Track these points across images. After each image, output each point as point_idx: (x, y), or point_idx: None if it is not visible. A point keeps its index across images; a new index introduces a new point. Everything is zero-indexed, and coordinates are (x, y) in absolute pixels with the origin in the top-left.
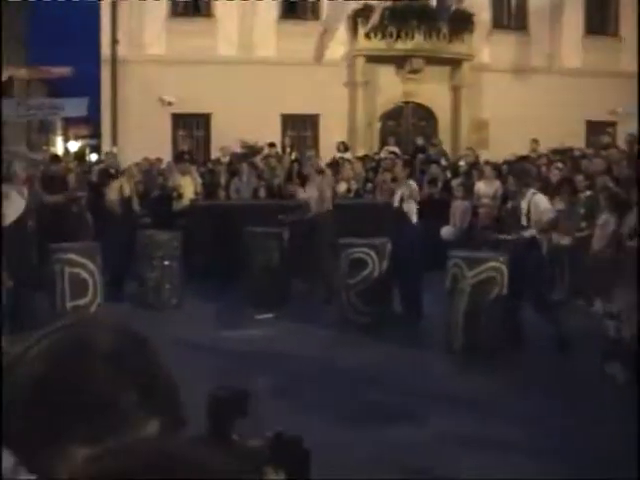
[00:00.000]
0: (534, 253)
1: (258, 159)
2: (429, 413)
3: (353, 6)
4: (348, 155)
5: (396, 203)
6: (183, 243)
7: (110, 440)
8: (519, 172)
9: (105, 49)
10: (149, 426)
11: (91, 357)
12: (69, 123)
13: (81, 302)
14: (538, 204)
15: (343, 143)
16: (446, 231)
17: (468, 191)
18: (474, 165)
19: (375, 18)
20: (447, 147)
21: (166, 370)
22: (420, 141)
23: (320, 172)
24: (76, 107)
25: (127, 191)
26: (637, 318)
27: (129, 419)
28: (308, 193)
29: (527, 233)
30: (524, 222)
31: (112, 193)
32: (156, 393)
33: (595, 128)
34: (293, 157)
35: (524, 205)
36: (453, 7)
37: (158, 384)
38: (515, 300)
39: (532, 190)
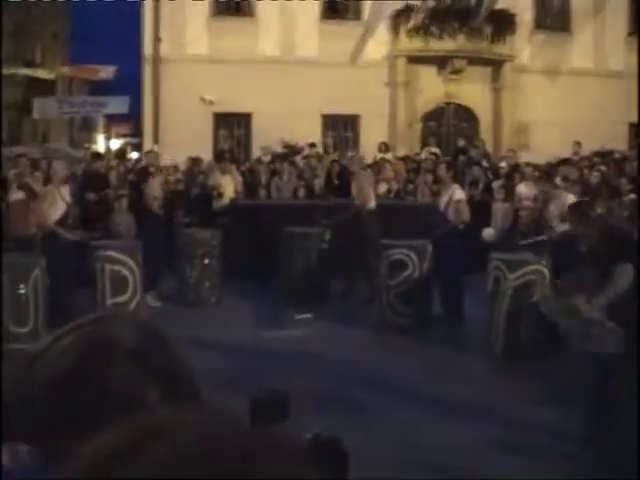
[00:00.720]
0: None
1: (299, 159)
2: (469, 418)
3: (395, 6)
4: (389, 156)
5: (442, 206)
6: (223, 242)
7: None
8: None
9: (147, 47)
10: None
11: (114, 353)
12: (111, 121)
13: (121, 299)
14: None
15: (384, 144)
16: (487, 233)
17: (509, 193)
18: (515, 167)
19: (418, 18)
20: (488, 148)
21: (188, 367)
22: (461, 142)
23: (363, 170)
24: (118, 105)
25: (163, 190)
26: None
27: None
28: (354, 191)
29: (559, 228)
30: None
31: (152, 191)
32: (178, 390)
33: (638, 131)
34: (335, 157)
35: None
36: (486, 8)
37: (181, 381)
38: None
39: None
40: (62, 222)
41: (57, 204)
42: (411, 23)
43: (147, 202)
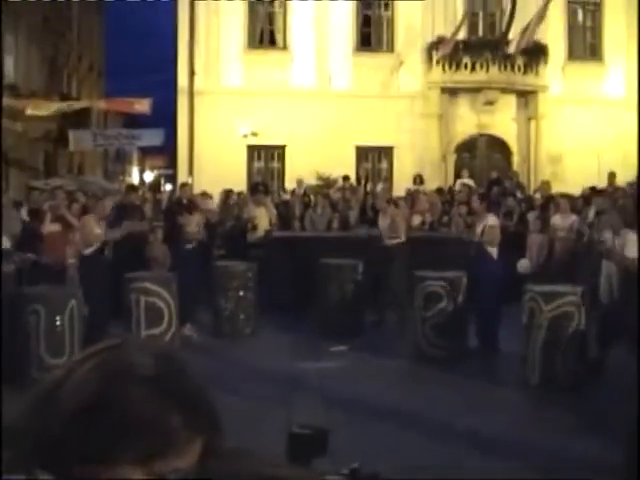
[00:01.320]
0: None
1: (332, 191)
2: (505, 451)
3: (428, 39)
4: (424, 188)
5: (477, 237)
6: (257, 274)
7: (156, 462)
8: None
9: (182, 80)
10: (193, 446)
11: (133, 379)
12: (145, 154)
13: (156, 331)
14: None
15: (419, 176)
16: (522, 264)
17: (544, 224)
18: (550, 198)
19: (447, 48)
20: (522, 179)
21: (206, 394)
22: (495, 174)
23: (393, 204)
24: (152, 137)
25: (202, 225)
26: None
27: (173, 441)
28: (381, 225)
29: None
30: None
31: (191, 226)
32: (198, 415)
33: None
34: (368, 189)
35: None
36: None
37: (200, 407)
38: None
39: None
40: (99, 252)
41: (94, 233)
42: (440, 53)
43: (185, 238)
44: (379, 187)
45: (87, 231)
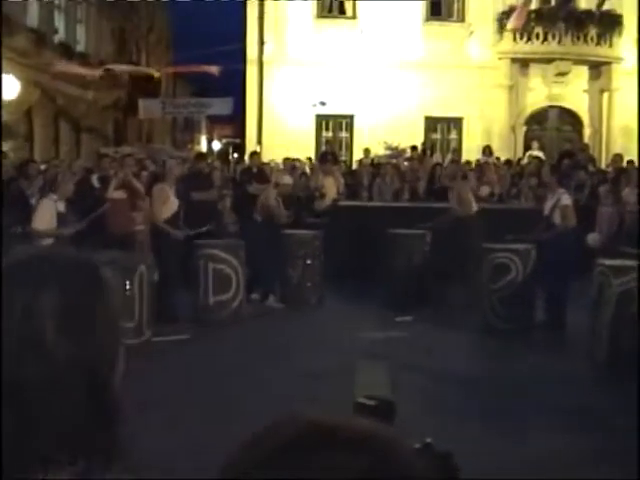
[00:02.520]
0: None
1: (401, 161)
2: (570, 423)
3: (500, 8)
4: (493, 159)
5: (546, 211)
6: (325, 243)
7: None
8: None
9: (251, 50)
10: None
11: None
12: (214, 123)
13: (224, 297)
14: None
15: (488, 147)
16: (592, 238)
17: (616, 198)
18: (622, 171)
19: (519, 21)
20: (593, 152)
21: None
22: (567, 146)
23: (462, 177)
24: (221, 106)
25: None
26: None
27: None
28: (450, 198)
29: None
30: None
31: (270, 199)
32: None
33: None
34: (435, 160)
35: None
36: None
37: None
38: None
39: None
40: (172, 220)
41: (169, 202)
42: (511, 25)
43: (264, 211)
44: (446, 163)
45: (163, 198)
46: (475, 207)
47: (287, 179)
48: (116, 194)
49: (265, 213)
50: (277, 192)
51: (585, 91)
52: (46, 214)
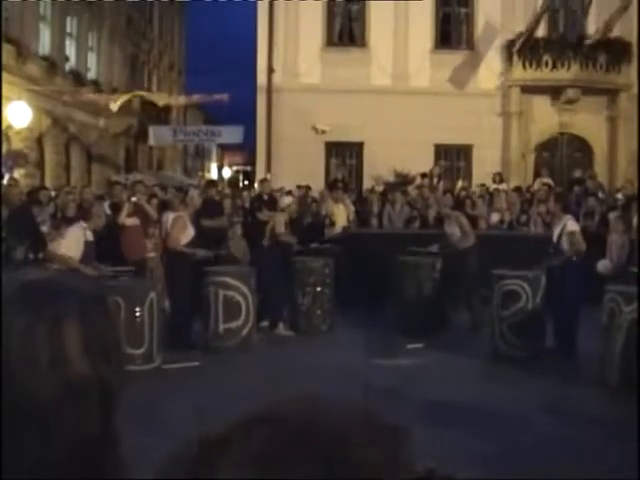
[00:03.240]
0: None
1: (411, 189)
2: (580, 452)
3: (508, 36)
4: (504, 186)
5: (554, 238)
6: (335, 270)
7: None
8: None
9: (261, 77)
10: None
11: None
12: (224, 150)
13: (234, 325)
14: None
15: (499, 174)
16: (602, 265)
17: (626, 225)
18: (632, 198)
19: (522, 40)
20: (603, 179)
21: None
22: (577, 173)
23: (457, 206)
24: (232, 134)
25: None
26: None
27: None
28: (447, 230)
29: None
30: None
31: (279, 226)
32: None
33: None
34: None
35: None
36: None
37: None
38: None
39: None
40: (189, 247)
41: (187, 230)
42: (516, 46)
43: (273, 237)
44: (458, 186)
45: (182, 226)
46: (472, 239)
47: (287, 200)
48: (129, 221)
49: (273, 239)
50: (285, 218)
51: (595, 118)
52: (74, 240)
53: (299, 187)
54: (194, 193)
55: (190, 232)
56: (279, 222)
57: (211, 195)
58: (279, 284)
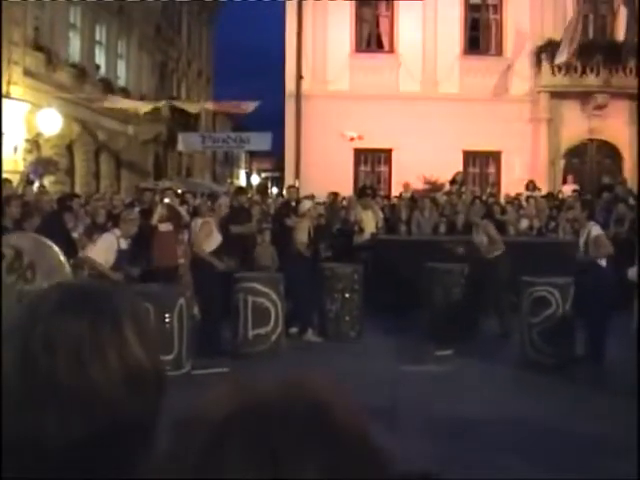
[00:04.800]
0: None
1: (439, 195)
2: (608, 459)
3: (538, 42)
4: (537, 194)
5: (580, 246)
6: (364, 276)
7: None
8: None
9: (289, 84)
10: None
11: None
12: (253, 156)
13: (263, 331)
14: None
15: (532, 182)
16: (633, 272)
17: None
18: None
19: (568, 54)
20: (633, 185)
21: None
22: (606, 179)
23: (502, 212)
24: (260, 141)
25: (311, 232)
26: None
27: None
28: (475, 239)
29: None
30: None
31: (301, 235)
32: None
33: None
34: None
35: None
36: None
37: None
38: None
39: None
40: (215, 254)
41: (212, 236)
42: (559, 59)
43: (295, 246)
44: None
45: (207, 231)
46: (501, 247)
47: (307, 204)
48: (163, 226)
49: (296, 247)
50: (309, 224)
51: (625, 123)
52: (105, 247)
53: (331, 194)
54: (224, 200)
55: (217, 238)
56: (300, 229)
57: (241, 202)
58: (306, 290)
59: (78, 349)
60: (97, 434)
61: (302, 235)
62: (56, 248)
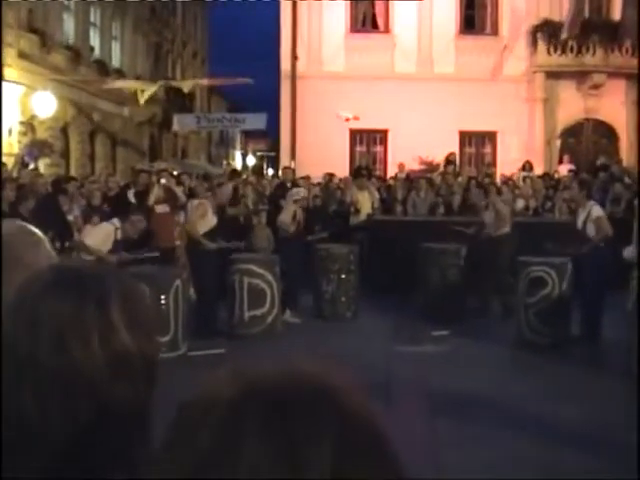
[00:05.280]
0: None
1: (435, 175)
2: (602, 440)
3: (534, 21)
4: (532, 174)
5: (579, 225)
6: (359, 257)
7: None
8: None
9: (285, 65)
10: None
11: None
12: (248, 138)
13: (259, 312)
14: None
15: (529, 162)
16: (629, 252)
17: None
18: None
19: (573, 28)
20: (630, 165)
21: None
22: (602, 159)
23: (497, 192)
24: (255, 121)
25: (298, 215)
26: None
27: None
28: (485, 217)
29: None
30: None
31: (285, 216)
32: None
33: None
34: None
35: None
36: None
37: None
38: None
39: None
40: (210, 236)
41: (207, 217)
42: (564, 34)
43: (278, 224)
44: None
45: (202, 213)
46: (508, 227)
47: (301, 192)
48: (159, 208)
49: (281, 228)
50: (296, 207)
51: (621, 103)
52: (102, 235)
53: (326, 175)
54: (227, 189)
55: (211, 220)
56: (286, 210)
57: (236, 184)
58: (296, 271)
59: (60, 330)
60: (77, 417)
61: (286, 216)
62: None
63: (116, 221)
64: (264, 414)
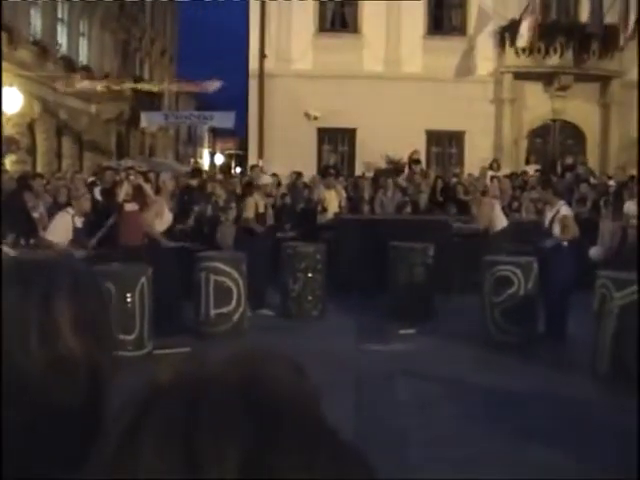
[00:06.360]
0: None
1: (401, 180)
2: (570, 439)
3: (501, 22)
4: (500, 174)
5: (546, 223)
6: (326, 256)
7: None
8: None
9: (253, 63)
10: None
11: None
12: (216, 136)
13: (225, 310)
14: None
15: (496, 161)
16: (594, 251)
17: (618, 211)
18: (624, 185)
19: (528, 35)
20: (596, 166)
21: None
22: (569, 159)
23: (482, 193)
24: (224, 119)
25: (261, 207)
26: None
27: None
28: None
29: None
30: None
31: (248, 211)
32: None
33: None
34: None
35: None
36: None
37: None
38: None
39: None
40: (168, 233)
41: (164, 216)
42: (520, 41)
43: (243, 221)
44: (454, 178)
45: (159, 211)
46: (503, 224)
47: (265, 179)
48: (128, 206)
49: (243, 224)
50: (261, 199)
51: (587, 105)
52: (61, 227)
53: (293, 173)
54: (166, 177)
55: (167, 218)
56: (248, 204)
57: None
58: (262, 267)
59: None
60: (12, 418)
61: (249, 211)
62: None
63: (69, 209)
64: (162, 415)
